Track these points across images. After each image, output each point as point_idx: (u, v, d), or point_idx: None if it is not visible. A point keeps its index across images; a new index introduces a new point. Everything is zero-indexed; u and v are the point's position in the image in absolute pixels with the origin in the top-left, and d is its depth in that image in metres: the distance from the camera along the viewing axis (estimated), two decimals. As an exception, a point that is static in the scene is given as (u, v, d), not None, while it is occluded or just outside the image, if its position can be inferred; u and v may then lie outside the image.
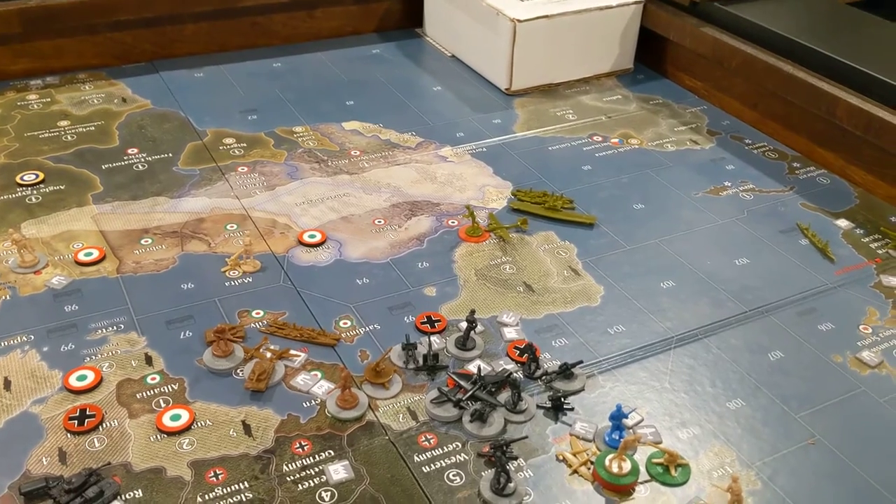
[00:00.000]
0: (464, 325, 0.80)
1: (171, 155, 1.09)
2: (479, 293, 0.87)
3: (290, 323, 0.82)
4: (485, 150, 1.14)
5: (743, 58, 1.20)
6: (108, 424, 0.71)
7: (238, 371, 0.76)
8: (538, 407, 0.74)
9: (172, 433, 0.70)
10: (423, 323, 0.83)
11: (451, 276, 0.90)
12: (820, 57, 1.13)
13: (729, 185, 1.09)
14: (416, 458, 0.69)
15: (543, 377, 0.77)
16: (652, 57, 1.39)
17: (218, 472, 0.67)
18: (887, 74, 1.06)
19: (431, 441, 0.71)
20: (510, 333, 0.82)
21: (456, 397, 0.73)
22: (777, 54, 1.17)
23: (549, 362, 0.79)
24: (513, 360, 0.79)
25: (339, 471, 0.68)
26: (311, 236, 0.94)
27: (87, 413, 0.71)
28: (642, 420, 0.73)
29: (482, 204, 1.02)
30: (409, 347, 0.78)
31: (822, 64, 1.13)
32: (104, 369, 0.76)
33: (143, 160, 1.07)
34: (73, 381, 0.74)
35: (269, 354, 0.78)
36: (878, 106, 1.05)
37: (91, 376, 0.74)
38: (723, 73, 1.27)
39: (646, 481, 0.68)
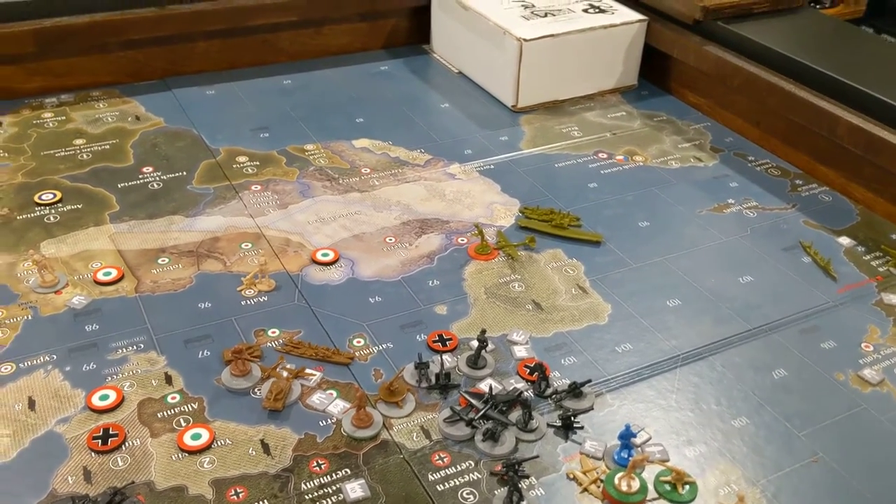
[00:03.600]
0: (475, 343, 0.82)
1: (185, 173, 1.11)
2: (488, 311, 0.89)
3: (305, 342, 0.84)
4: (492, 167, 1.16)
5: (745, 76, 1.22)
6: (131, 443, 0.73)
7: (256, 390, 0.78)
8: (548, 426, 0.76)
9: (193, 452, 0.72)
10: (434, 342, 0.85)
11: (461, 294, 0.92)
12: (821, 76, 1.15)
13: (732, 202, 1.10)
14: (430, 476, 0.71)
15: (553, 396, 0.79)
16: (656, 74, 1.41)
17: (238, 490, 0.69)
18: (887, 94, 1.08)
19: (445, 460, 0.72)
20: (520, 352, 0.84)
21: (468, 416, 0.75)
22: (779, 73, 1.20)
23: (559, 381, 0.81)
24: (523, 378, 0.81)
25: (355, 489, 0.69)
26: (324, 255, 0.96)
27: (110, 432, 0.73)
28: (650, 438, 0.75)
29: (490, 221, 1.04)
30: (421, 366, 0.80)
31: (824, 83, 1.15)
32: (125, 389, 0.78)
33: (157, 179, 1.09)
34: (96, 401, 0.76)
35: (285, 374, 0.80)
36: (878, 125, 1.07)
37: (113, 396, 0.76)
38: (725, 91, 1.29)
39: (654, 499, 0.70)
